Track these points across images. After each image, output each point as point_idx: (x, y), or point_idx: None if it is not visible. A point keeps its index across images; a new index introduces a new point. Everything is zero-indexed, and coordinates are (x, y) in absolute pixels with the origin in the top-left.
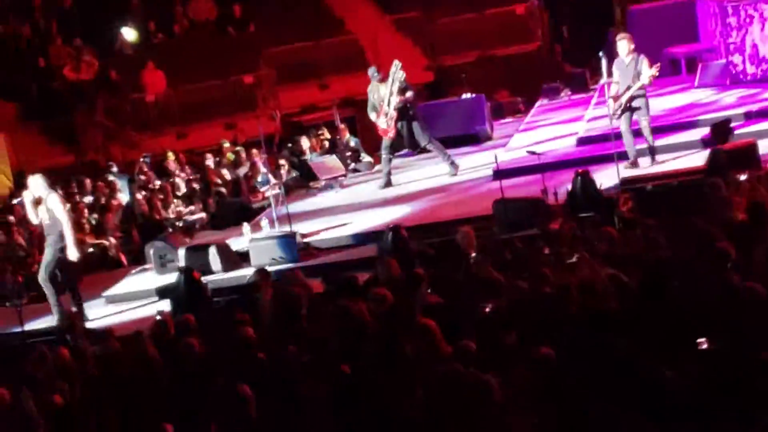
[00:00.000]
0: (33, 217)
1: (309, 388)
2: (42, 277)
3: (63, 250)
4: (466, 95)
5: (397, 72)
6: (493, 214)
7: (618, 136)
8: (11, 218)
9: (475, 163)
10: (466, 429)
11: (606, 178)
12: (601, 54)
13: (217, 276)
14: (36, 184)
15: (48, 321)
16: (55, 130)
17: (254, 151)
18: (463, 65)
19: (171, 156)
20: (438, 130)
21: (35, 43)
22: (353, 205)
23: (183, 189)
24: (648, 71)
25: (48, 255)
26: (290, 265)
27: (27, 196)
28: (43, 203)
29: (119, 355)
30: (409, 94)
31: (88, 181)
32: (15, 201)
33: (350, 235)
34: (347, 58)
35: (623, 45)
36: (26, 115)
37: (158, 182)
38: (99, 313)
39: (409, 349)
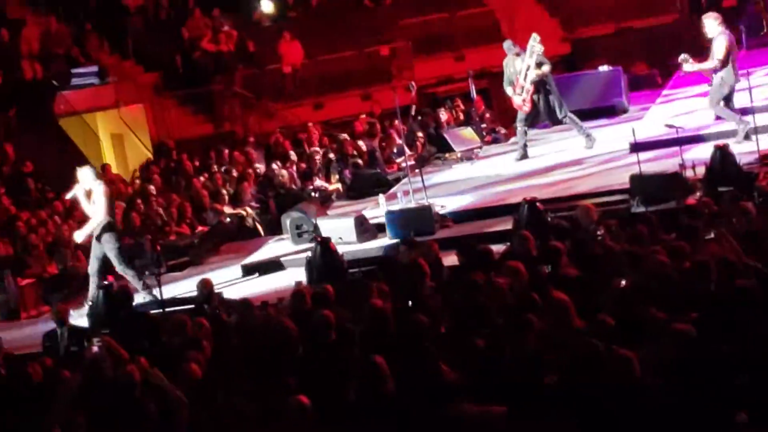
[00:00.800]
0: (87, 209)
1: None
2: (120, 267)
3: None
4: (603, 67)
5: (535, 45)
6: (629, 188)
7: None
8: (151, 188)
9: (612, 136)
10: (600, 403)
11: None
12: (741, 26)
13: (353, 247)
14: (85, 176)
15: (186, 291)
16: (194, 101)
17: (391, 122)
18: (600, 37)
19: (309, 126)
20: (574, 103)
21: (175, 14)
22: (488, 178)
23: (319, 160)
24: None
25: (97, 250)
26: (426, 237)
27: (79, 190)
28: (92, 195)
29: (256, 325)
30: (546, 68)
31: (225, 152)
32: (68, 196)
33: (485, 207)
34: (483, 30)
35: None
36: (166, 86)
37: (294, 153)
38: (236, 283)
39: (541, 323)
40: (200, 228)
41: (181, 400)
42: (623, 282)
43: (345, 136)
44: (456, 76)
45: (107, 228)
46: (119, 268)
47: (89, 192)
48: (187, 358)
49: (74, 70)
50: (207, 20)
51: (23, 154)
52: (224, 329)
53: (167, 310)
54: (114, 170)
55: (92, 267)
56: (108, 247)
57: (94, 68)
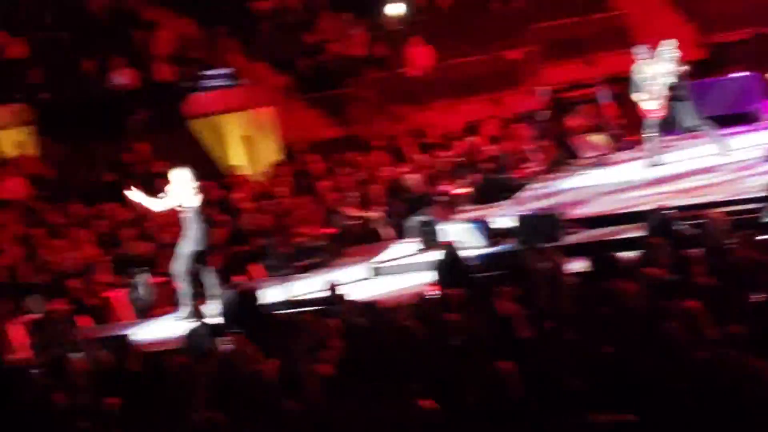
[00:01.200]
0: (158, 205)
1: (569, 368)
2: (178, 270)
3: (204, 244)
4: (740, 73)
5: (670, 50)
6: (766, 197)
7: None
8: (280, 190)
9: (747, 144)
10: (734, 415)
11: None
12: None
13: (481, 251)
14: (180, 177)
15: (314, 292)
16: (323, 104)
17: (519, 127)
18: (738, 42)
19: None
20: (709, 109)
21: (305, 18)
22: (618, 184)
23: (446, 164)
24: None
25: (185, 249)
26: (553, 243)
27: (170, 190)
28: (183, 196)
29: (382, 326)
30: (681, 73)
31: (353, 155)
32: (160, 196)
33: (615, 214)
34: (615, 35)
35: None
36: (296, 89)
37: (421, 156)
38: (363, 285)
39: (673, 332)
40: (328, 230)
41: None
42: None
43: (473, 139)
44: (586, 81)
45: (195, 227)
46: (178, 269)
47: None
48: (317, 359)
49: (206, 72)
50: (337, 23)
51: (155, 155)
52: (352, 331)
53: (296, 310)
54: (244, 172)
55: (177, 266)
56: (186, 243)
57: (226, 70)
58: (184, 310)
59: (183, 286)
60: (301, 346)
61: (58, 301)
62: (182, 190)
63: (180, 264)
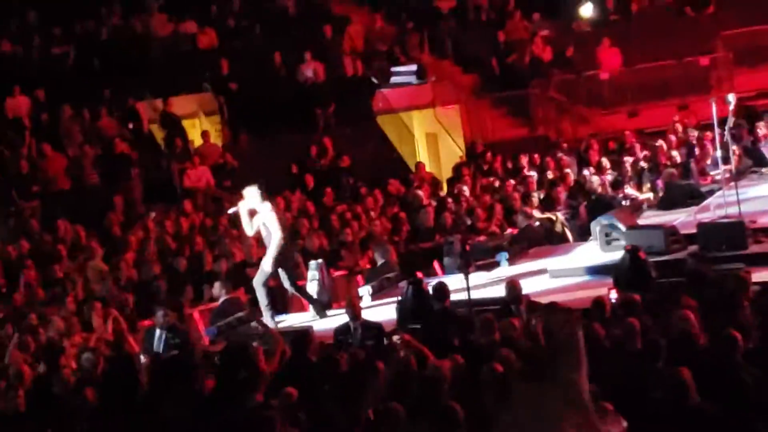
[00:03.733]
0: (248, 228)
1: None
2: (257, 281)
3: (283, 261)
4: None
5: None
6: None
7: None
8: (463, 188)
9: None
10: None
11: None
12: None
13: (663, 257)
14: (251, 194)
15: (495, 291)
16: (509, 104)
17: (706, 134)
18: None
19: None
20: None
21: (494, 17)
22: None
23: (633, 168)
24: None
25: (266, 264)
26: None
27: (242, 207)
28: (259, 215)
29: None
30: None
31: (538, 156)
32: (230, 211)
33: None
34: None
35: None
36: (483, 88)
37: (606, 160)
38: (542, 287)
39: None
40: (510, 230)
41: None
42: None
43: (660, 144)
44: None
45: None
46: (256, 281)
47: (253, 211)
48: (494, 357)
49: (394, 69)
50: (526, 24)
51: (340, 149)
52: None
53: (475, 309)
54: (427, 169)
55: (258, 278)
56: (267, 260)
57: (413, 67)
58: (266, 320)
59: (261, 298)
60: (482, 344)
61: (239, 289)
62: (257, 207)
63: (260, 276)
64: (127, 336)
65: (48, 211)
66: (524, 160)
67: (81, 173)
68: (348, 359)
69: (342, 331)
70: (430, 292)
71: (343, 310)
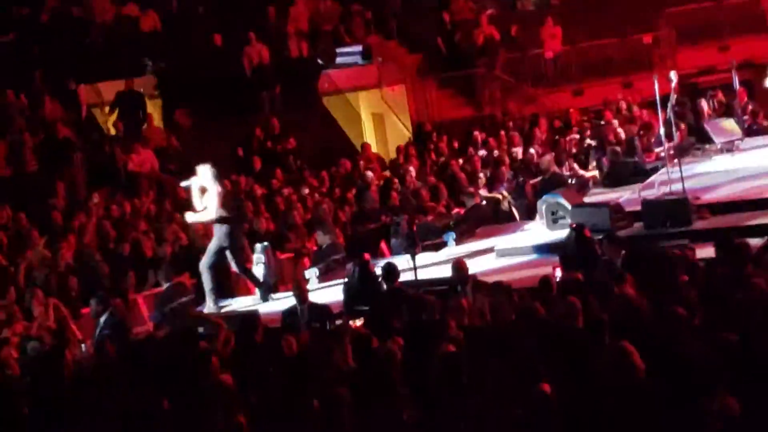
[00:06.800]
0: (197, 204)
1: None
2: (203, 264)
3: (231, 243)
4: None
5: None
6: None
7: None
8: (410, 168)
9: None
10: None
11: None
12: None
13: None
14: (203, 173)
15: (441, 271)
16: (455, 84)
17: (649, 111)
18: None
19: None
20: None
21: None
22: (749, 170)
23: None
24: None
25: (212, 245)
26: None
27: (195, 183)
28: (208, 193)
29: (504, 308)
30: None
31: (483, 135)
32: (183, 184)
33: (744, 200)
34: (750, 20)
35: None
36: (429, 68)
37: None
38: (489, 266)
39: None
40: (456, 210)
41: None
42: None
43: (603, 122)
44: (719, 67)
45: (223, 225)
46: (202, 264)
47: (203, 189)
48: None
49: (339, 50)
50: (471, 4)
51: (287, 131)
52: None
53: (422, 289)
54: (373, 149)
55: (204, 262)
56: (214, 241)
57: (359, 48)
58: (209, 304)
59: (206, 282)
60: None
61: (184, 274)
62: (204, 186)
63: (206, 260)
64: (70, 323)
65: None
66: (471, 140)
67: (22, 159)
68: (294, 342)
69: (289, 313)
70: (378, 272)
71: (290, 293)
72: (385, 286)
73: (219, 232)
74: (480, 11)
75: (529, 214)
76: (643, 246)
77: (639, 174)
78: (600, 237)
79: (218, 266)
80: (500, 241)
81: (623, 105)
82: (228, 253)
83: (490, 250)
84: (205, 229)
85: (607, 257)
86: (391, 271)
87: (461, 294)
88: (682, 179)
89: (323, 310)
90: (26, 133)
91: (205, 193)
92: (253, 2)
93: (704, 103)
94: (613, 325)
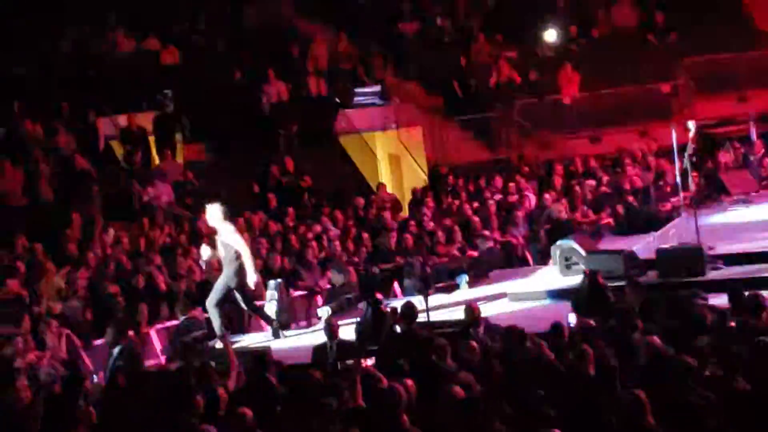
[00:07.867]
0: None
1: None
2: (210, 302)
3: (238, 282)
4: None
5: None
6: None
7: None
8: (425, 210)
9: None
10: None
11: None
12: None
13: (619, 282)
14: (212, 213)
15: (454, 314)
16: (472, 126)
17: (666, 160)
18: None
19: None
20: None
21: (458, 39)
22: (764, 222)
23: (593, 193)
24: None
25: (220, 284)
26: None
27: (205, 252)
28: (219, 235)
29: (517, 353)
30: None
31: (499, 179)
32: (201, 263)
33: (759, 252)
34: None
35: None
36: (446, 110)
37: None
38: (501, 309)
39: None
40: (470, 253)
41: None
42: None
43: (620, 170)
44: (737, 118)
45: (234, 263)
46: (208, 302)
47: (213, 230)
48: (454, 380)
49: (357, 89)
50: (490, 47)
51: (302, 169)
52: (488, 354)
53: (434, 331)
54: (389, 190)
55: (211, 299)
56: (222, 280)
57: (377, 88)
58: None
59: (214, 320)
60: (437, 367)
61: (198, 308)
62: (217, 226)
63: (213, 297)
64: (81, 354)
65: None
66: (486, 183)
67: (38, 189)
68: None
69: (319, 350)
70: (390, 313)
71: (302, 331)
72: (398, 327)
73: (228, 270)
74: (499, 54)
75: (543, 259)
76: (662, 295)
77: (654, 222)
78: (616, 284)
79: (227, 303)
80: (513, 285)
81: (639, 153)
82: (236, 293)
83: (503, 294)
84: (220, 265)
85: (622, 304)
86: (410, 310)
87: (473, 337)
88: (697, 229)
89: (352, 346)
90: (43, 164)
91: (214, 234)
92: (273, 39)
93: (721, 154)
94: (625, 372)
